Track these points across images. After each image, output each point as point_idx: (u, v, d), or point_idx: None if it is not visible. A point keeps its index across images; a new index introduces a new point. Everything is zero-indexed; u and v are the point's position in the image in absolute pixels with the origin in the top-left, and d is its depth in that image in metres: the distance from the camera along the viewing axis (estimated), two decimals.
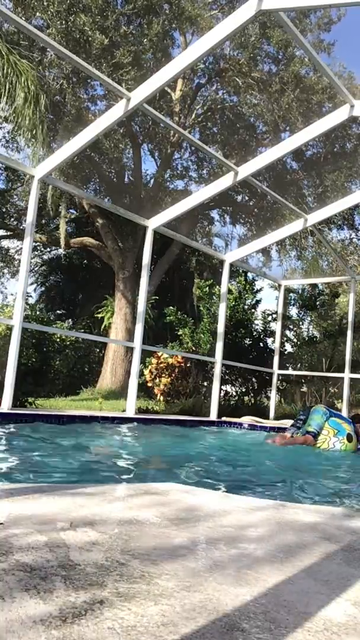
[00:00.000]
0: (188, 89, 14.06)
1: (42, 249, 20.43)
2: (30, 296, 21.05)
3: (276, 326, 10.62)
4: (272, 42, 12.81)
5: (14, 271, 20.03)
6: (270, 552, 1.64)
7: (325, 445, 5.57)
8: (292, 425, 5.97)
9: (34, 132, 7.55)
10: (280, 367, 10.65)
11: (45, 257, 21.67)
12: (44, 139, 7.93)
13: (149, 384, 10.36)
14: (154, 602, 1.17)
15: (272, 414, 9.86)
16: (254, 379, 11.47)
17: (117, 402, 10.58)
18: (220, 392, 8.93)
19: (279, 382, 10.86)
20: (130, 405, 7.16)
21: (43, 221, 16.01)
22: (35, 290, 21.95)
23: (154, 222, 7.57)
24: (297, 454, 5.30)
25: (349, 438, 5.64)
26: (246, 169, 7.18)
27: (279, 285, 10.72)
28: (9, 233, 18.17)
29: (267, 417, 9.60)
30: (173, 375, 10.13)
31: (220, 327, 8.75)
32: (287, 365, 12.73)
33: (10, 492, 2.25)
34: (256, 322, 11.79)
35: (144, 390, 10.84)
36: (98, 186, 15.46)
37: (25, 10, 10.80)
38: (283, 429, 7.91)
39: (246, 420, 8.26)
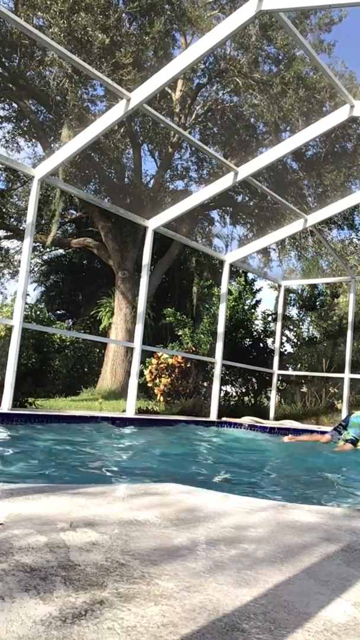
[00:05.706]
0: (188, 89, 14.06)
1: (42, 249, 20.42)
2: (29, 296, 21.06)
3: (276, 326, 10.61)
4: (276, 44, 12.80)
5: (14, 271, 20.02)
6: (270, 552, 1.64)
7: None
8: (334, 429, 6.28)
9: None
10: (280, 367, 10.65)
11: (45, 257, 21.66)
12: None
13: (149, 384, 10.35)
14: (154, 602, 1.17)
15: (272, 414, 9.85)
16: (254, 379, 11.46)
17: (117, 403, 10.58)
18: (220, 393, 8.93)
19: (279, 382, 10.85)
20: (130, 406, 7.16)
21: (43, 221, 16.02)
22: (35, 289, 21.97)
23: (154, 223, 7.56)
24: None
25: None
26: (246, 169, 7.18)
27: (279, 286, 10.71)
28: (9, 233, 18.15)
29: (267, 417, 9.60)
30: (173, 375, 10.13)
31: (220, 328, 8.75)
32: (287, 365, 12.71)
33: (10, 492, 2.25)
34: (256, 322, 11.78)
35: (144, 391, 10.83)
36: (98, 186, 15.45)
37: (26, 10, 10.78)
38: (284, 429, 7.93)
39: (246, 420, 8.25)
